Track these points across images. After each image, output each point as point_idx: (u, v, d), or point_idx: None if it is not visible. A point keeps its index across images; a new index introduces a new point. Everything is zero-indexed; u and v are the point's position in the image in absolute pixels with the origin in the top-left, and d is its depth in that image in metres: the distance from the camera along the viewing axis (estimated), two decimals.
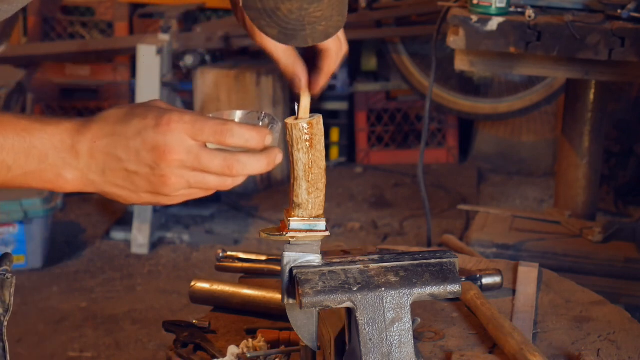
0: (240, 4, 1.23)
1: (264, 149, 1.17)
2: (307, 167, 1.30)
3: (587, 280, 2.62)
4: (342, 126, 5.44)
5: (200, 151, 1.14)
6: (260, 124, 1.22)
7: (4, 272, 1.37)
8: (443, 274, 1.35)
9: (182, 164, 1.13)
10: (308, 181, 1.30)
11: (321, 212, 1.32)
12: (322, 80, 1.34)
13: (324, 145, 1.30)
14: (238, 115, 1.24)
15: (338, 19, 1.24)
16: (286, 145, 1.31)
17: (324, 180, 1.32)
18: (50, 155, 1.14)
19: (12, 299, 1.41)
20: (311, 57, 1.35)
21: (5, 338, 1.39)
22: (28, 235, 4.05)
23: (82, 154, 1.14)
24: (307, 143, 1.29)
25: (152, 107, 1.16)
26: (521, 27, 2.87)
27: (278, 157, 1.18)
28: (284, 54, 1.31)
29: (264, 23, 1.20)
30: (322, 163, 1.31)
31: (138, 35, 5.28)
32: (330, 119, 5.32)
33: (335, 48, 1.35)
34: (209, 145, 1.16)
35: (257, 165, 1.16)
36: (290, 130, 1.29)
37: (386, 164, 5.40)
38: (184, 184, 1.15)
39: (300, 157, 1.29)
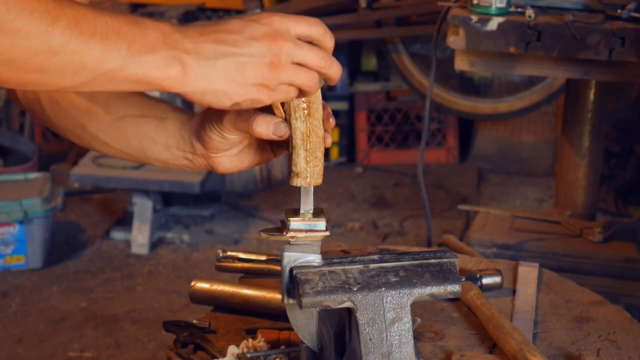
0: None
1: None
2: (305, 135, 1.28)
3: (587, 280, 2.62)
4: (342, 126, 5.45)
5: (303, 42, 1.19)
6: None
7: None
8: (443, 274, 1.35)
9: (290, 50, 1.16)
10: (306, 149, 1.29)
11: (320, 181, 1.31)
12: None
13: (322, 113, 1.29)
14: None
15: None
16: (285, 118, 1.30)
17: (322, 149, 1.30)
18: (160, 47, 1.12)
19: None
20: None
21: None
22: (28, 235, 4.05)
23: (190, 50, 1.13)
24: (305, 111, 1.27)
25: (236, 16, 1.20)
26: (521, 27, 2.87)
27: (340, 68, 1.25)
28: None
29: None
30: (320, 131, 1.29)
31: None
32: None
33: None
34: None
35: (338, 69, 1.23)
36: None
37: (386, 164, 5.41)
38: (289, 75, 1.17)
39: (298, 126, 1.28)
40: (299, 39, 1.19)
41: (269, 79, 1.17)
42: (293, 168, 1.30)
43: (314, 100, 1.28)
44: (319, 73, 1.21)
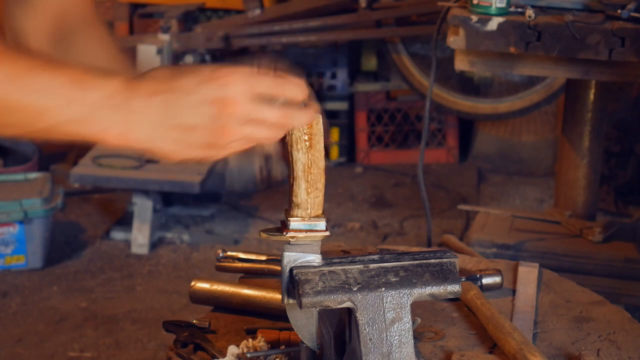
0: None
1: (306, 105, 1.22)
2: (306, 167, 1.30)
3: (587, 280, 2.62)
4: (342, 126, 5.44)
5: (260, 103, 1.16)
6: None
7: None
8: (443, 274, 1.35)
9: (243, 114, 1.15)
10: (307, 181, 1.30)
11: (320, 211, 1.32)
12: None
13: (323, 145, 1.30)
14: None
15: None
16: (285, 145, 1.31)
17: (323, 180, 1.32)
18: (100, 108, 1.12)
19: None
20: None
21: None
22: (28, 235, 4.05)
23: (135, 110, 1.12)
24: (306, 143, 1.29)
25: (198, 66, 1.18)
26: (521, 27, 2.87)
27: (318, 113, 1.24)
28: None
29: None
30: (321, 163, 1.31)
31: (138, 35, 5.28)
32: (330, 119, 5.32)
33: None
34: None
35: (304, 118, 1.22)
36: (289, 130, 1.29)
37: (386, 164, 5.41)
38: (239, 134, 1.16)
39: (300, 157, 1.29)
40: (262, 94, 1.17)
41: (217, 141, 1.16)
42: (294, 199, 1.31)
43: (316, 132, 1.29)
44: (281, 127, 1.20)
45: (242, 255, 1.92)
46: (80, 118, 1.12)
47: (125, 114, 1.12)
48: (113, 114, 1.12)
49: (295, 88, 1.19)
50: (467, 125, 5.52)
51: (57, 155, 5.23)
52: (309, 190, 1.31)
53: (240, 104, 1.14)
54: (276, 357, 1.58)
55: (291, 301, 1.36)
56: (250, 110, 1.15)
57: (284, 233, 1.33)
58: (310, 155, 1.29)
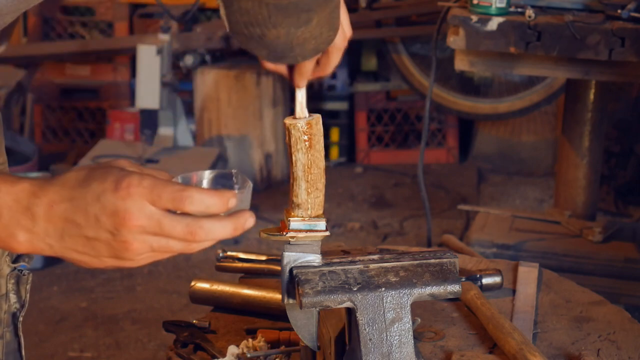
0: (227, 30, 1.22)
1: (233, 213, 1.12)
2: (306, 167, 1.30)
3: (587, 280, 2.62)
4: (342, 126, 5.44)
5: (162, 217, 1.09)
6: (235, 182, 1.18)
7: (22, 268, 1.35)
8: (443, 274, 1.35)
9: (143, 229, 1.09)
10: (307, 181, 1.30)
11: (321, 212, 1.32)
12: (318, 74, 1.33)
13: (323, 145, 1.30)
14: (207, 175, 1.20)
15: (328, 34, 1.23)
16: (285, 145, 1.31)
17: (323, 180, 1.32)
18: (3, 214, 1.10)
19: (28, 295, 1.39)
20: None
21: (21, 333, 1.39)
22: None
23: (39, 218, 1.10)
24: (306, 143, 1.29)
25: (112, 168, 1.11)
26: (521, 27, 2.87)
27: (248, 221, 1.13)
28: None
29: (252, 46, 1.20)
30: (321, 163, 1.31)
31: (138, 35, 5.28)
32: (330, 119, 5.32)
33: (338, 43, 1.34)
34: None
35: (222, 231, 1.11)
36: (288, 131, 1.29)
37: (386, 164, 5.40)
38: (147, 248, 1.10)
39: (299, 158, 1.29)
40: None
41: (121, 254, 1.11)
42: (294, 199, 1.31)
43: (315, 132, 1.29)
44: (189, 242, 1.12)
45: (242, 255, 1.92)
46: None
47: (29, 222, 1.10)
48: (17, 223, 1.10)
49: (206, 201, 1.09)
50: (467, 125, 5.52)
51: (57, 155, 5.23)
52: (309, 190, 1.31)
53: (140, 219, 1.08)
54: (276, 357, 1.58)
55: (291, 301, 1.36)
56: (151, 226, 1.09)
57: (284, 233, 1.33)
58: (310, 155, 1.29)
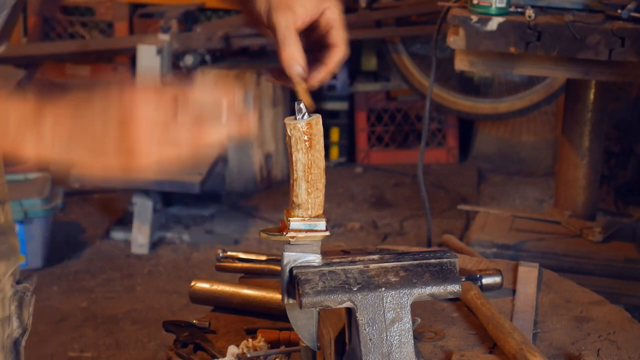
0: None
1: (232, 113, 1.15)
2: (306, 167, 1.30)
3: (587, 280, 2.62)
4: (342, 126, 5.44)
5: (168, 121, 1.13)
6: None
7: (24, 291, 1.35)
8: (443, 274, 1.35)
9: (149, 135, 1.12)
10: (307, 181, 1.30)
11: (321, 212, 1.32)
12: (322, 75, 1.33)
13: (323, 145, 1.30)
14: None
15: None
16: (285, 146, 1.31)
17: (323, 180, 1.32)
18: (11, 124, 1.13)
19: (31, 318, 1.39)
20: (317, 50, 1.35)
21: (23, 359, 1.38)
22: (28, 235, 4.05)
23: (46, 125, 1.13)
24: (306, 143, 1.29)
25: (108, 87, 1.15)
26: (521, 27, 2.87)
27: (250, 121, 1.16)
28: (287, 38, 1.29)
29: None
30: (322, 163, 1.31)
31: (138, 35, 5.28)
32: (330, 119, 5.32)
33: (343, 46, 1.34)
34: None
35: (226, 130, 1.15)
36: (288, 131, 1.29)
37: (386, 164, 5.41)
38: (154, 152, 1.13)
39: (299, 157, 1.29)
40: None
41: (129, 161, 1.14)
42: (294, 199, 1.31)
43: (316, 132, 1.29)
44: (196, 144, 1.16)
45: (242, 255, 1.92)
46: None
47: (37, 131, 1.13)
48: (27, 128, 1.13)
49: (207, 97, 1.14)
50: (467, 125, 5.52)
51: None
52: (310, 190, 1.31)
53: (143, 126, 1.12)
54: (276, 357, 1.58)
55: (291, 301, 1.36)
56: (157, 131, 1.12)
57: (284, 233, 1.33)
58: (310, 155, 1.29)
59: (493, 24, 2.90)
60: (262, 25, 1.31)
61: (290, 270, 1.34)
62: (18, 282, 1.36)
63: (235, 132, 1.15)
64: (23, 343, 1.37)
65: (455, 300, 1.74)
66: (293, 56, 1.28)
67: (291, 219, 1.32)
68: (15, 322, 1.35)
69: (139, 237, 4.30)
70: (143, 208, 4.32)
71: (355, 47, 5.47)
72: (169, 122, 1.13)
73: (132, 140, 1.12)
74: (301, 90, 1.30)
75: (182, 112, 1.13)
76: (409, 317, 1.33)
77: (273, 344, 1.62)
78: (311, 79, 1.31)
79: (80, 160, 1.15)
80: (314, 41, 1.33)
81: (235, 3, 1.44)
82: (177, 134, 1.13)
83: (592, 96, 3.30)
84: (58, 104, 1.14)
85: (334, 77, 5.39)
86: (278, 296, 1.72)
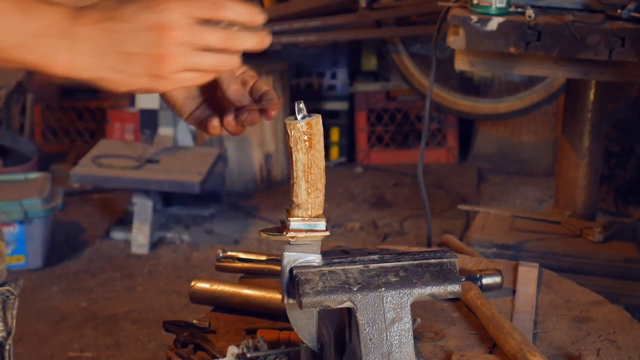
0: None
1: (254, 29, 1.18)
2: (306, 167, 1.30)
3: (587, 280, 2.62)
4: (342, 126, 5.44)
5: (200, 26, 1.14)
6: None
7: (7, 294, 1.34)
8: (443, 274, 1.35)
9: (182, 40, 1.13)
10: (307, 181, 1.30)
11: (321, 211, 1.32)
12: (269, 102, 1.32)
13: (323, 145, 1.30)
14: None
15: None
16: (285, 146, 1.31)
17: (323, 180, 1.32)
18: (43, 35, 1.11)
19: (14, 321, 1.38)
20: (213, 97, 1.35)
21: None
22: (28, 235, 4.05)
23: (79, 38, 1.12)
24: (306, 143, 1.29)
25: None
26: (521, 27, 2.87)
27: (267, 37, 1.19)
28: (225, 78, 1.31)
29: None
30: (321, 163, 1.31)
31: None
32: (330, 119, 5.32)
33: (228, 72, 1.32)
34: None
35: (252, 40, 1.17)
36: (289, 131, 1.29)
37: (386, 164, 5.41)
38: (183, 63, 1.14)
39: (299, 157, 1.29)
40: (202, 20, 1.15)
41: (159, 70, 1.14)
42: (294, 199, 1.31)
43: (316, 132, 1.29)
44: (228, 52, 1.17)
45: (242, 255, 1.92)
46: (24, 43, 1.11)
47: (69, 41, 1.12)
48: (57, 41, 1.12)
49: (238, 9, 1.16)
50: (467, 125, 5.52)
51: (57, 155, 5.23)
52: (310, 190, 1.31)
53: (178, 30, 1.12)
54: (276, 357, 1.58)
55: (291, 301, 1.36)
56: (190, 36, 1.13)
57: (284, 233, 1.33)
58: (310, 155, 1.29)
59: (493, 24, 2.90)
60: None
61: (290, 270, 1.34)
62: (1, 285, 1.34)
63: (255, 46, 1.18)
64: (7, 347, 1.36)
65: (455, 300, 1.74)
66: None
67: (291, 219, 1.32)
68: None
69: (139, 237, 4.30)
70: (143, 208, 4.32)
71: (355, 47, 5.47)
72: (201, 32, 1.14)
73: (160, 61, 1.13)
74: None
75: (216, 18, 1.15)
76: (409, 317, 1.33)
77: (273, 344, 1.62)
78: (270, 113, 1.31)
79: (107, 78, 1.15)
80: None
81: None
82: (209, 43, 1.14)
83: (592, 96, 3.30)
84: (91, 11, 1.13)
85: (334, 76, 5.40)
86: (278, 296, 1.72)
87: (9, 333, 1.35)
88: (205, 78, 1.18)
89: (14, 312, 1.37)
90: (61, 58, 1.13)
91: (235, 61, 1.18)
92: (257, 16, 1.17)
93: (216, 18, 1.15)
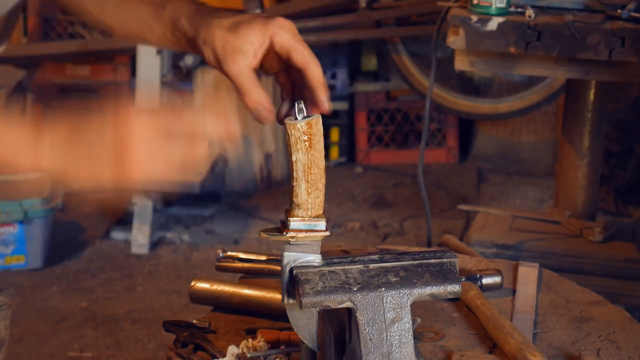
0: None
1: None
2: (306, 167, 1.30)
3: (587, 280, 2.62)
4: (342, 126, 5.44)
5: (161, 139, 1.18)
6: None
7: (1, 303, 1.34)
8: (443, 274, 1.35)
9: (142, 153, 1.16)
10: (307, 181, 1.30)
11: (321, 212, 1.32)
12: (320, 97, 1.31)
13: (323, 145, 1.30)
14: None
15: None
16: (285, 146, 1.31)
17: (323, 180, 1.32)
18: (9, 147, 1.16)
19: (8, 331, 1.38)
20: (297, 83, 1.34)
21: None
22: (28, 235, 4.05)
23: (43, 149, 1.16)
24: (306, 143, 1.29)
25: (104, 102, 1.21)
26: (521, 27, 2.87)
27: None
28: (245, 85, 1.30)
29: None
30: (321, 163, 1.31)
31: None
32: (330, 119, 5.32)
33: (312, 62, 1.32)
34: None
35: (213, 146, 1.21)
36: (288, 131, 1.29)
37: (386, 164, 5.41)
38: (147, 170, 1.18)
39: (299, 157, 1.29)
40: None
41: (124, 177, 1.20)
42: (294, 199, 1.31)
43: (316, 132, 1.29)
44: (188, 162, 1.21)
45: (242, 255, 1.92)
46: None
47: (35, 154, 1.16)
48: (24, 154, 1.15)
49: (199, 120, 1.18)
50: (467, 125, 5.52)
51: None
52: (310, 190, 1.31)
53: (138, 144, 1.14)
54: (276, 357, 1.58)
55: (291, 301, 1.36)
56: (150, 149, 1.15)
57: (284, 233, 1.33)
58: (310, 155, 1.29)
59: (493, 24, 2.90)
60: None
61: (290, 270, 1.34)
62: None
63: (223, 147, 1.20)
64: (1, 356, 1.36)
65: (455, 300, 1.74)
66: (256, 101, 1.28)
67: (291, 219, 1.32)
68: None
69: (139, 237, 4.30)
70: (143, 208, 4.32)
71: (355, 47, 5.47)
72: (161, 141, 1.15)
73: (126, 159, 1.15)
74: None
75: (174, 131, 1.16)
76: (409, 317, 1.33)
77: (273, 344, 1.62)
78: (320, 108, 1.30)
79: (75, 174, 1.18)
80: (287, 69, 1.33)
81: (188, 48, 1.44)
82: (169, 151, 1.16)
83: (592, 96, 3.30)
84: (54, 128, 1.17)
85: (334, 76, 5.39)
86: (278, 296, 1.72)
87: (2, 343, 1.35)
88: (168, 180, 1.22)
89: (7, 322, 1.37)
90: (28, 165, 1.17)
91: (203, 149, 1.20)
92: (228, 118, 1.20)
93: (176, 130, 1.18)
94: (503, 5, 2.91)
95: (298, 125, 1.29)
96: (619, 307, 1.78)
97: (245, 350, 1.59)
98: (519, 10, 2.92)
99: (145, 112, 1.17)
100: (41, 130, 1.16)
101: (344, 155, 5.46)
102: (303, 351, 1.48)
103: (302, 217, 1.32)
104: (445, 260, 1.37)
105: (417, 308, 1.63)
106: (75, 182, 1.18)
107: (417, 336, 1.60)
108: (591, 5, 2.96)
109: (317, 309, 1.36)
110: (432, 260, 1.37)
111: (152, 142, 1.15)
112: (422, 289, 1.34)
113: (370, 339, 1.32)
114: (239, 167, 4.96)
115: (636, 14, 2.83)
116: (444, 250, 1.49)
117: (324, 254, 1.36)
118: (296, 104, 1.30)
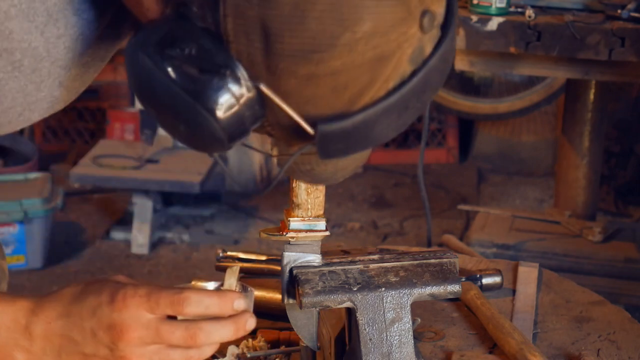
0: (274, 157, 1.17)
1: (234, 315, 1.12)
2: None
3: (587, 280, 2.62)
4: None
5: (159, 324, 1.08)
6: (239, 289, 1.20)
7: None
8: (443, 274, 1.35)
9: (141, 340, 1.07)
10: None
11: (321, 212, 1.32)
12: None
13: None
14: (211, 286, 1.23)
15: (365, 154, 1.16)
16: None
17: None
18: (1, 334, 1.09)
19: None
20: None
21: None
22: (28, 235, 4.05)
23: (36, 336, 1.09)
24: None
25: (107, 282, 1.11)
26: (521, 27, 2.87)
27: (249, 322, 1.13)
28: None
29: (296, 176, 1.19)
30: None
31: None
32: None
33: None
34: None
35: (224, 332, 1.10)
36: None
37: (386, 164, 5.40)
38: (151, 357, 1.09)
39: None
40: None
41: None
42: (294, 199, 1.31)
43: None
44: (190, 347, 1.10)
45: (242, 255, 1.92)
46: None
47: (27, 341, 1.10)
48: (18, 339, 1.10)
49: (205, 301, 1.10)
50: (467, 125, 5.52)
51: (57, 155, 5.23)
52: (310, 190, 1.31)
53: (137, 330, 1.07)
54: (276, 357, 1.58)
55: (291, 301, 1.36)
56: (150, 336, 1.08)
57: (284, 233, 1.33)
58: None
59: (493, 24, 2.90)
60: None
61: (290, 270, 1.34)
62: None
63: (231, 337, 1.11)
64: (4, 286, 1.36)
65: (455, 300, 1.74)
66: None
67: (291, 219, 1.32)
68: None
69: (139, 237, 4.30)
70: (143, 208, 4.32)
71: None
72: (161, 331, 1.08)
73: (122, 350, 1.08)
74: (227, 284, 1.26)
75: (179, 314, 1.09)
76: (409, 317, 1.33)
77: (273, 344, 1.62)
78: None
79: None
80: None
81: None
82: (171, 342, 1.09)
83: (592, 96, 3.30)
84: (49, 307, 1.10)
85: None
86: (278, 296, 1.71)
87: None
88: None
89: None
90: (20, 358, 1.10)
91: (207, 352, 1.11)
92: (233, 304, 1.11)
93: (180, 314, 1.10)
94: (503, 5, 2.91)
95: None
96: (619, 307, 1.78)
97: (245, 350, 1.59)
98: (519, 10, 2.92)
99: (146, 296, 1.09)
100: (35, 317, 1.09)
101: None
102: (303, 351, 1.48)
103: (302, 217, 1.32)
104: (445, 260, 1.37)
105: (417, 308, 1.63)
106: None
107: (417, 336, 1.60)
108: (591, 5, 2.96)
109: (317, 309, 1.36)
110: (432, 260, 1.37)
111: (152, 331, 1.08)
112: (422, 289, 1.34)
113: (370, 339, 1.32)
114: (239, 167, 4.96)
115: (636, 14, 2.83)
116: (444, 250, 1.49)
117: (324, 254, 1.36)
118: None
